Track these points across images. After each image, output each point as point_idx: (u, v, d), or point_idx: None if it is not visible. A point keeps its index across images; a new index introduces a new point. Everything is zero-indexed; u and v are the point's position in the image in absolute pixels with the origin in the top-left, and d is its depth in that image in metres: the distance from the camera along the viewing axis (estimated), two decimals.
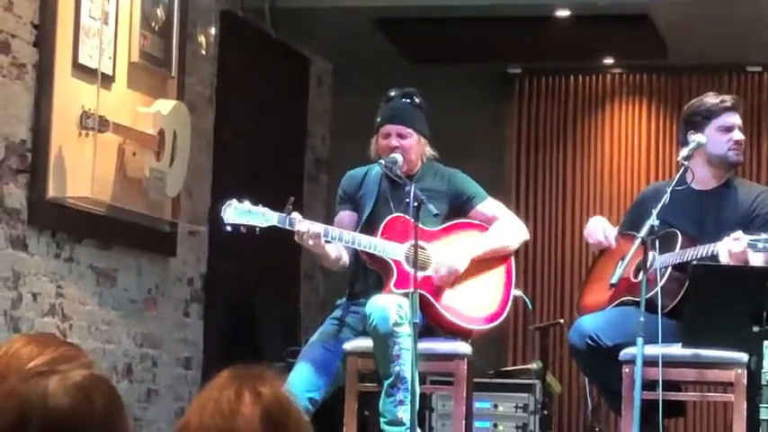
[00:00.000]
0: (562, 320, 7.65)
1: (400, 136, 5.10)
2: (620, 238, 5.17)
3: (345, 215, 5.21)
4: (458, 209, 5.17)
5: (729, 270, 4.70)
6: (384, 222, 5.03)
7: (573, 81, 8.70)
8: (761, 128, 8.34)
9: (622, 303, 4.99)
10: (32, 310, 5.73)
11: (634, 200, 5.56)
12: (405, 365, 4.75)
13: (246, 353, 6.68)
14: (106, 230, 6.21)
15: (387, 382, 4.81)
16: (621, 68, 8.62)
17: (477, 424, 6.28)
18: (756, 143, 8.27)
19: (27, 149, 5.69)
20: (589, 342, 4.91)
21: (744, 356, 4.74)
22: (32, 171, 5.71)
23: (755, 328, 4.56)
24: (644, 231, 4.62)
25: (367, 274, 5.10)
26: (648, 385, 4.65)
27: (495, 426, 7.22)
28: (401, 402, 4.77)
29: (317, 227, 4.91)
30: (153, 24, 6.48)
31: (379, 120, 5.17)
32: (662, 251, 4.82)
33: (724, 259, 4.73)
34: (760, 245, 4.72)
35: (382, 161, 5.04)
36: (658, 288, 4.74)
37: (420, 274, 4.78)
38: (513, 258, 5.19)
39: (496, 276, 5.13)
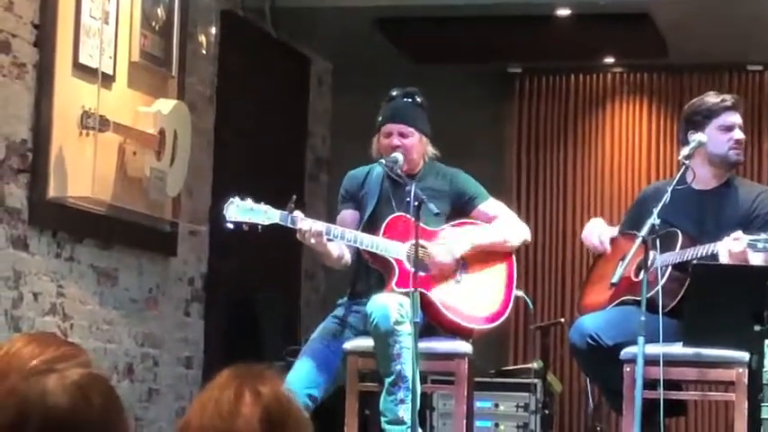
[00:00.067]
0: (563, 320, 7.65)
1: (402, 135, 5.09)
2: (621, 238, 5.17)
3: (348, 214, 5.21)
4: (460, 209, 5.17)
5: (730, 269, 4.70)
6: (386, 221, 5.03)
7: (573, 80, 8.69)
8: (761, 127, 8.33)
9: (623, 303, 4.98)
10: (33, 310, 5.73)
11: (635, 199, 5.55)
12: (406, 364, 4.75)
13: (247, 352, 6.66)
14: (107, 230, 6.21)
15: (388, 381, 4.81)
16: (622, 68, 8.61)
17: (477, 423, 6.28)
18: (757, 142, 8.27)
19: (28, 149, 5.69)
20: (590, 341, 4.90)
21: (745, 355, 4.73)
22: (33, 171, 5.71)
23: (756, 327, 4.55)
24: (645, 230, 4.61)
25: (369, 274, 5.10)
26: (649, 384, 4.65)
27: (496, 425, 7.21)
28: (402, 401, 4.77)
29: (318, 225, 4.91)
30: (153, 24, 6.47)
31: (380, 119, 5.17)
32: (662, 250, 4.82)
33: (724, 259, 4.73)
34: (760, 245, 4.72)
35: (383, 160, 5.04)
36: (659, 287, 4.73)
37: (421, 274, 4.78)
38: (514, 258, 5.19)
39: (498, 276, 5.12)
